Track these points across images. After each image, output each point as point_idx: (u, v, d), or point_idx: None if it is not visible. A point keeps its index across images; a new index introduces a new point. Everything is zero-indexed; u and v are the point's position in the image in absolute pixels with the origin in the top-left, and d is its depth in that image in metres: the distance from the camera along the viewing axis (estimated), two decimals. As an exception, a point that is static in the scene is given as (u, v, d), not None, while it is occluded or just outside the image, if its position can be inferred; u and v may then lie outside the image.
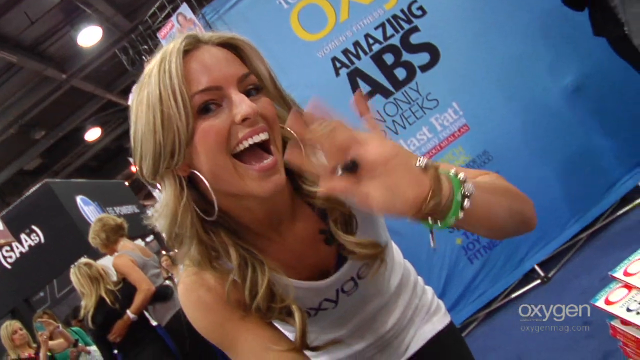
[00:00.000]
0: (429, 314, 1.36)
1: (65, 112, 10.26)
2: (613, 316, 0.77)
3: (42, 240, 6.68)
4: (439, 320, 1.37)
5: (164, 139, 0.89)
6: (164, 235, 1.01)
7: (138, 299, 4.13)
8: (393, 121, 3.61)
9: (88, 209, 7.54)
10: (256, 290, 0.97)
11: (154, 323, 4.63)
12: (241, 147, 0.90)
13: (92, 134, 11.93)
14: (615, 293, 0.79)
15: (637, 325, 0.71)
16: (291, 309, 0.98)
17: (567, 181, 3.66)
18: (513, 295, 3.74)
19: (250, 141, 0.90)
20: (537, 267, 3.71)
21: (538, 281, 3.70)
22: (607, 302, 0.79)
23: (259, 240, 1.01)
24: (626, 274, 0.79)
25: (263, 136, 0.91)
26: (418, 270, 1.44)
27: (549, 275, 3.67)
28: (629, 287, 0.77)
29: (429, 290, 1.42)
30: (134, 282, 4.19)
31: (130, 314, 4.12)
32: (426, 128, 3.63)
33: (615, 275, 0.81)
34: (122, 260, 4.27)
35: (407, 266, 1.37)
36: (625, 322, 0.76)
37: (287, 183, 1.00)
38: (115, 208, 8.02)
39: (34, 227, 6.68)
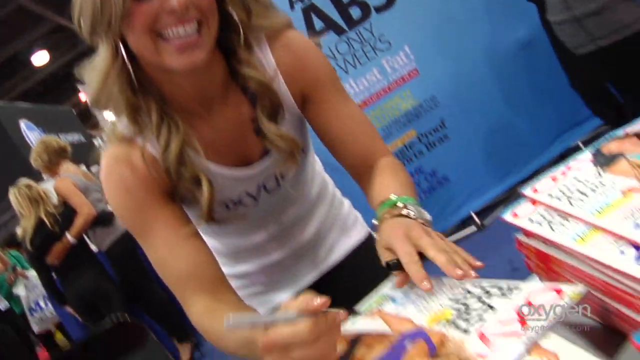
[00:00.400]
0: (347, 227, 1.41)
1: (12, 32, 9.87)
2: (519, 229, 0.81)
3: (-21, 158, 6.51)
4: (357, 233, 1.42)
5: (101, 10, 0.90)
6: (89, 95, 1.02)
7: (78, 223, 4.10)
8: (344, 60, 3.60)
9: (32, 134, 7.35)
10: (167, 151, 1.00)
11: (94, 248, 4.61)
12: (166, 33, 0.92)
13: (40, 58, 11.53)
14: (523, 208, 0.83)
15: (538, 235, 0.76)
16: (200, 178, 1.02)
17: (509, 132, 3.75)
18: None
19: (176, 32, 0.92)
20: (473, 215, 3.82)
21: (474, 228, 3.82)
22: (514, 215, 0.83)
23: (188, 116, 1.04)
24: (534, 190, 0.83)
25: (189, 29, 0.92)
26: (356, 208, 1.48)
27: (484, 222, 3.80)
28: (535, 202, 0.82)
29: (346, 203, 1.46)
30: (75, 205, 4.14)
31: (69, 237, 4.08)
32: (377, 69, 3.64)
33: (524, 192, 0.85)
34: (63, 183, 4.21)
35: (326, 178, 1.41)
36: (528, 234, 0.80)
37: (222, 65, 1.05)
38: (60, 135, 7.82)
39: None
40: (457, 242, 3.18)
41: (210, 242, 1.10)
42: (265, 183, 1.13)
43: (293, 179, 1.18)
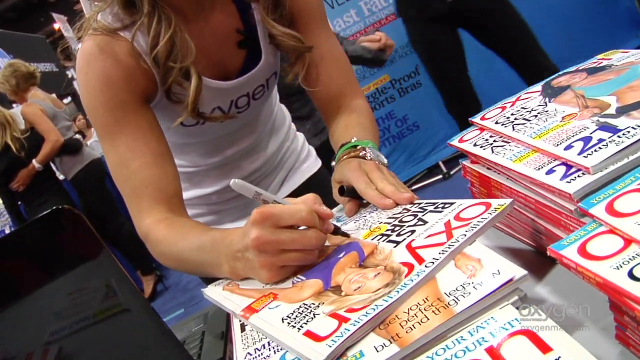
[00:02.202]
0: (300, 160, 1.43)
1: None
2: (465, 155, 0.83)
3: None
4: (309, 167, 1.45)
5: None
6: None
7: (45, 149, 4.06)
8: (322, -1, 3.55)
9: (2, 61, 7.18)
10: (157, 42, 0.96)
11: (60, 176, 4.58)
12: None
13: (12, -18, 11.15)
14: (470, 134, 0.84)
15: (479, 157, 0.77)
16: (189, 71, 0.98)
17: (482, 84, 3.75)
18: (414, 187, 3.90)
19: None
20: (441, 164, 3.87)
21: (440, 177, 3.87)
22: (460, 141, 0.84)
23: (177, 17, 0.98)
24: (483, 118, 0.85)
25: None
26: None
27: (451, 172, 3.85)
28: (482, 129, 0.83)
29: (300, 136, 1.49)
30: (43, 132, 4.10)
31: (35, 163, 4.05)
32: (354, 11, 3.61)
33: (473, 120, 0.87)
34: (31, 108, 4.14)
35: (284, 110, 1.43)
36: (473, 161, 0.82)
37: None
38: (32, 63, 7.65)
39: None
40: (422, 189, 3.22)
41: None
42: (238, 100, 1.12)
43: (260, 102, 1.18)
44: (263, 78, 1.13)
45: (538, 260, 0.70)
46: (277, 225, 0.72)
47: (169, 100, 1.01)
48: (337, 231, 0.78)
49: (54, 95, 4.70)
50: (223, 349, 0.88)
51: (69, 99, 9.23)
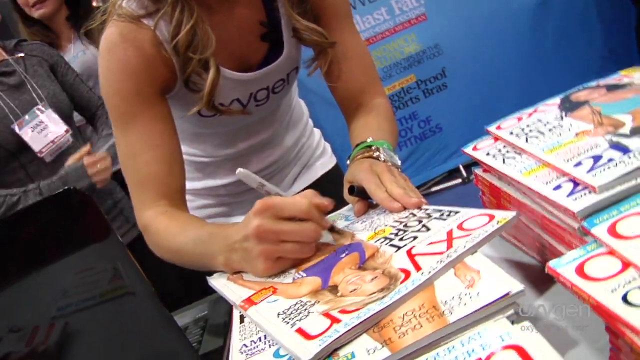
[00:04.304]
0: (315, 157, 1.44)
1: None
2: (478, 164, 0.83)
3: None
4: (324, 164, 1.45)
5: None
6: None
7: None
8: (354, -6, 3.55)
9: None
10: (178, 31, 0.96)
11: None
12: None
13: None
14: (484, 142, 0.84)
15: (491, 167, 0.77)
16: (208, 62, 0.99)
17: (509, 91, 3.72)
18: (433, 189, 3.88)
19: None
20: (461, 167, 3.84)
21: (459, 180, 3.84)
22: (474, 149, 0.84)
23: (201, 7, 0.99)
24: (498, 128, 0.85)
25: None
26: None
27: (470, 177, 3.81)
28: (496, 138, 0.83)
29: (317, 133, 1.49)
30: None
31: None
32: (385, 9, 3.59)
33: (489, 128, 0.86)
34: None
35: (302, 105, 1.44)
36: (485, 170, 0.82)
37: None
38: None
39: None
40: (440, 192, 3.20)
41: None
42: (257, 93, 1.13)
43: (279, 96, 1.19)
44: (284, 72, 1.14)
45: (542, 274, 0.69)
46: (278, 215, 0.74)
47: (187, 90, 1.02)
48: (332, 228, 0.81)
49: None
50: (224, 338, 0.89)
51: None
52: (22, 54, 2.03)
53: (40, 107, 1.96)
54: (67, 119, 2.04)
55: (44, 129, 1.95)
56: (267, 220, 0.74)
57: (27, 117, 1.92)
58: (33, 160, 1.93)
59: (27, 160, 1.93)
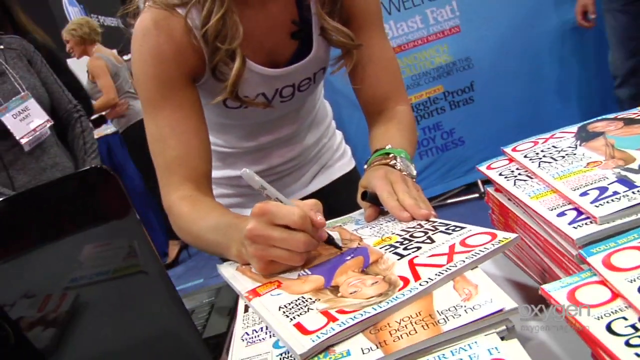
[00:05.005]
0: (334, 158, 1.46)
1: None
2: (491, 183, 0.85)
3: (15, 26, 6.51)
4: (343, 166, 1.48)
5: None
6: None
7: (99, 103, 4.24)
8: (390, 0, 3.56)
9: (72, 10, 7.34)
10: (208, 20, 0.99)
11: (111, 129, 4.76)
12: None
13: None
14: (499, 162, 0.86)
15: (502, 187, 0.79)
16: (235, 53, 1.01)
17: (535, 109, 3.72)
18: (449, 201, 3.89)
19: None
20: (480, 182, 3.84)
21: (476, 195, 3.84)
22: (488, 168, 0.86)
23: (234, 1, 1.01)
24: (514, 150, 0.86)
25: None
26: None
27: (488, 193, 3.81)
28: (510, 159, 0.85)
29: (339, 135, 1.51)
30: (101, 87, 4.32)
31: None
32: (419, 17, 3.61)
33: (504, 149, 0.88)
34: (97, 62, 4.37)
35: (327, 106, 1.46)
36: (497, 189, 0.84)
37: None
38: (100, 17, 7.80)
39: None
40: (456, 204, 3.21)
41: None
42: (283, 89, 1.15)
43: (304, 95, 1.21)
44: (311, 71, 1.16)
45: (539, 297, 0.71)
46: (271, 222, 0.76)
47: (214, 79, 1.05)
48: (330, 241, 0.81)
49: (114, 51, 4.82)
50: (228, 324, 0.92)
51: (129, 56, 9.34)
52: (1, 46, 2.07)
53: (23, 95, 2.00)
54: (46, 112, 2.08)
55: (27, 117, 1.99)
56: (260, 224, 0.76)
57: (10, 103, 1.95)
58: (10, 148, 1.97)
59: (4, 148, 1.97)
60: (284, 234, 0.75)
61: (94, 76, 4.34)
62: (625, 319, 0.45)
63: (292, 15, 1.10)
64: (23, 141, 1.96)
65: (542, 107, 3.70)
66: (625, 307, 0.47)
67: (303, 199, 1.36)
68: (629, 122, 0.81)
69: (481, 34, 3.62)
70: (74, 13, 7.23)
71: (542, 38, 3.61)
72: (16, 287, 0.61)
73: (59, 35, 4.32)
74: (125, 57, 4.99)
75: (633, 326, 0.44)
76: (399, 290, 0.61)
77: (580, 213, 0.62)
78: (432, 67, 3.67)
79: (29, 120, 1.98)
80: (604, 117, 0.87)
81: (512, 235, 0.66)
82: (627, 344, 0.43)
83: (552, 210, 0.65)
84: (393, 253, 0.72)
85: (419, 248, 0.71)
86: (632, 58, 3.15)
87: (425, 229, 0.78)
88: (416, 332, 0.54)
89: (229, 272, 0.85)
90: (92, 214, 0.64)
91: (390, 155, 1.01)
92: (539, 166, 0.76)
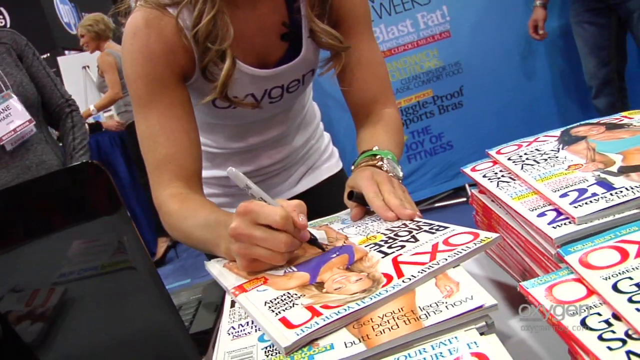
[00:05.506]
0: (322, 159, 1.48)
1: None
2: (475, 184, 0.86)
3: (8, 24, 6.51)
4: (330, 167, 1.49)
5: None
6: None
7: (104, 99, 4.29)
8: (381, 4, 3.59)
9: (63, 8, 7.31)
10: (199, 21, 1.00)
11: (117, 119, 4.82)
12: None
13: None
14: (483, 164, 0.88)
15: (485, 189, 0.81)
16: (225, 53, 1.02)
17: (523, 115, 3.75)
18: (436, 205, 3.91)
19: None
20: (467, 187, 3.87)
21: (464, 199, 3.87)
22: (473, 170, 0.88)
23: (226, 0, 1.03)
24: (498, 152, 0.88)
25: None
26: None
27: (476, 196, 3.84)
28: (495, 162, 0.87)
29: (327, 136, 1.53)
30: (108, 82, 4.36)
31: (92, 107, 4.30)
32: (410, 22, 3.63)
33: (489, 151, 0.90)
34: (107, 58, 4.42)
35: (315, 108, 1.48)
36: (481, 191, 0.85)
37: None
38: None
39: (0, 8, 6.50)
40: (443, 208, 3.23)
41: None
42: (272, 90, 1.16)
43: (293, 96, 1.23)
44: (300, 73, 1.17)
45: (520, 296, 0.73)
46: (254, 221, 0.76)
47: (204, 79, 1.07)
48: (313, 242, 0.82)
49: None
50: (214, 320, 0.93)
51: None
52: None
53: (4, 94, 1.98)
54: (32, 109, 2.06)
55: (7, 117, 1.97)
56: (244, 223, 0.76)
57: (-9, 103, 1.92)
58: None
59: None
60: (266, 234, 0.76)
61: (103, 71, 4.41)
62: (599, 314, 0.47)
63: (282, 17, 1.11)
64: (3, 141, 1.96)
65: (530, 113, 3.73)
66: (600, 303, 0.48)
67: (290, 199, 1.38)
68: (610, 127, 0.84)
69: (471, 39, 3.65)
70: (64, 11, 7.19)
71: (532, 44, 3.64)
72: (5, 282, 0.62)
73: (50, 32, 4.33)
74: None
75: (606, 321, 0.46)
76: (383, 286, 0.63)
77: (559, 214, 0.64)
78: (422, 71, 3.69)
79: (9, 120, 1.96)
80: (586, 121, 0.89)
81: (494, 235, 0.67)
82: (600, 338, 0.44)
83: (532, 210, 0.67)
84: (377, 251, 0.74)
85: (403, 246, 0.73)
86: (605, 67, 3.24)
87: (409, 228, 0.80)
88: (398, 327, 0.55)
89: (216, 268, 0.86)
90: (82, 209, 0.64)
91: (377, 157, 1.02)
92: (522, 168, 0.78)
